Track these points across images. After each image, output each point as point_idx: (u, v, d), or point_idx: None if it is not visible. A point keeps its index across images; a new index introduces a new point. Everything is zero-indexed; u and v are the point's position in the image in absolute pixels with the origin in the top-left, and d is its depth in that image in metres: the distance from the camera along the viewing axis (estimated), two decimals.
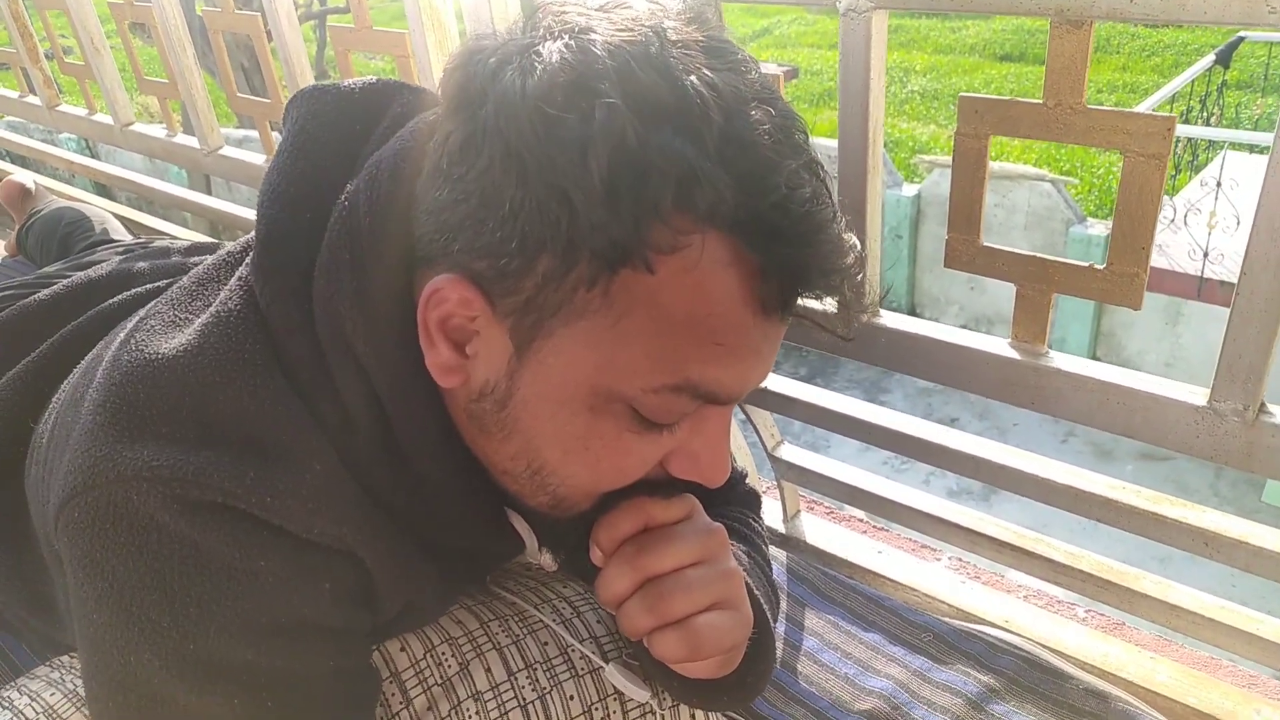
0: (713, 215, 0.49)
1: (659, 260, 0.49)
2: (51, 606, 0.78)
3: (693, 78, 0.49)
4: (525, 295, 0.52)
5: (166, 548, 0.54)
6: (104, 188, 2.76)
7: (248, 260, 0.63)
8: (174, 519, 0.54)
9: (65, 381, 0.74)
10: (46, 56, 2.00)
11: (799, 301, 0.55)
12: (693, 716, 0.74)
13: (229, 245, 0.73)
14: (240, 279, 0.63)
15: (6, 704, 0.77)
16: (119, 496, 0.54)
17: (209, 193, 2.60)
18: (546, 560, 0.74)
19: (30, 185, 1.91)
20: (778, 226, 0.50)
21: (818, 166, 0.54)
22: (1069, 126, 0.75)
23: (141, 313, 0.71)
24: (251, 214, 1.73)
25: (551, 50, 0.50)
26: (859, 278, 0.55)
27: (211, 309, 0.61)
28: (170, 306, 0.65)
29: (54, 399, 0.75)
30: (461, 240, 0.54)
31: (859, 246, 0.55)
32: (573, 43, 0.50)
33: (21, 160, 2.52)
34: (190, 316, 0.63)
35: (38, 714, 0.75)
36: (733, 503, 0.90)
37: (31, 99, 2.05)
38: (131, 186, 2.01)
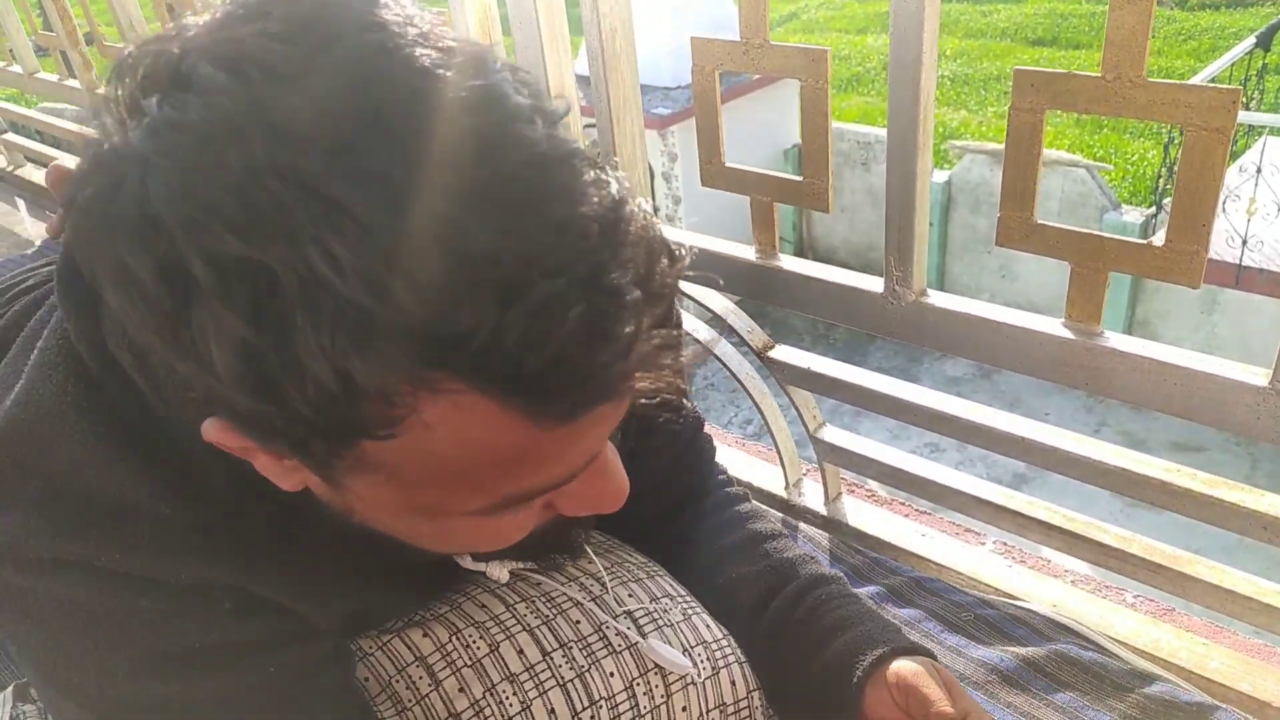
0: (406, 381, 0.38)
1: (386, 431, 0.40)
2: None
3: (312, 188, 0.36)
4: (295, 459, 0.44)
5: (43, 609, 0.52)
6: None
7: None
8: (37, 580, 0.51)
9: None
10: (86, 40, 2.02)
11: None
12: (733, 684, 0.74)
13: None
14: (57, 313, 0.55)
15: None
16: None
17: None
18: (497, 571, 0.72)
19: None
20: (500, 373, 0.38)
21: (565, 217, 0.38)
22: (1129, 100, 0.73)
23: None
24: None
25: (118, 194, 0.38)
26: (662, 303, 0.41)
27: (35, 352, 0.55)
28: (14, 352, 0.59)
29: None
30: (191, 392, 0.44)
31: (653, 257, 0.41)
32: (136, 181, 0.38)
33: (62, 143, 2.55)
34: (21, 364, 0.56)
35: None
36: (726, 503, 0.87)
37: (71, 82, 2.06)
38: None
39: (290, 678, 0.59)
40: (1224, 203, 5.59)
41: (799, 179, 0.95)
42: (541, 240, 0.37)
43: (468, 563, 0.71)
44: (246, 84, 0.36)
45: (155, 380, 0.49)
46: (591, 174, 0.38)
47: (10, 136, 2.54)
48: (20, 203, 2.43)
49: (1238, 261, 5.71)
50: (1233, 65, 7.04)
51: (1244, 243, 5.63)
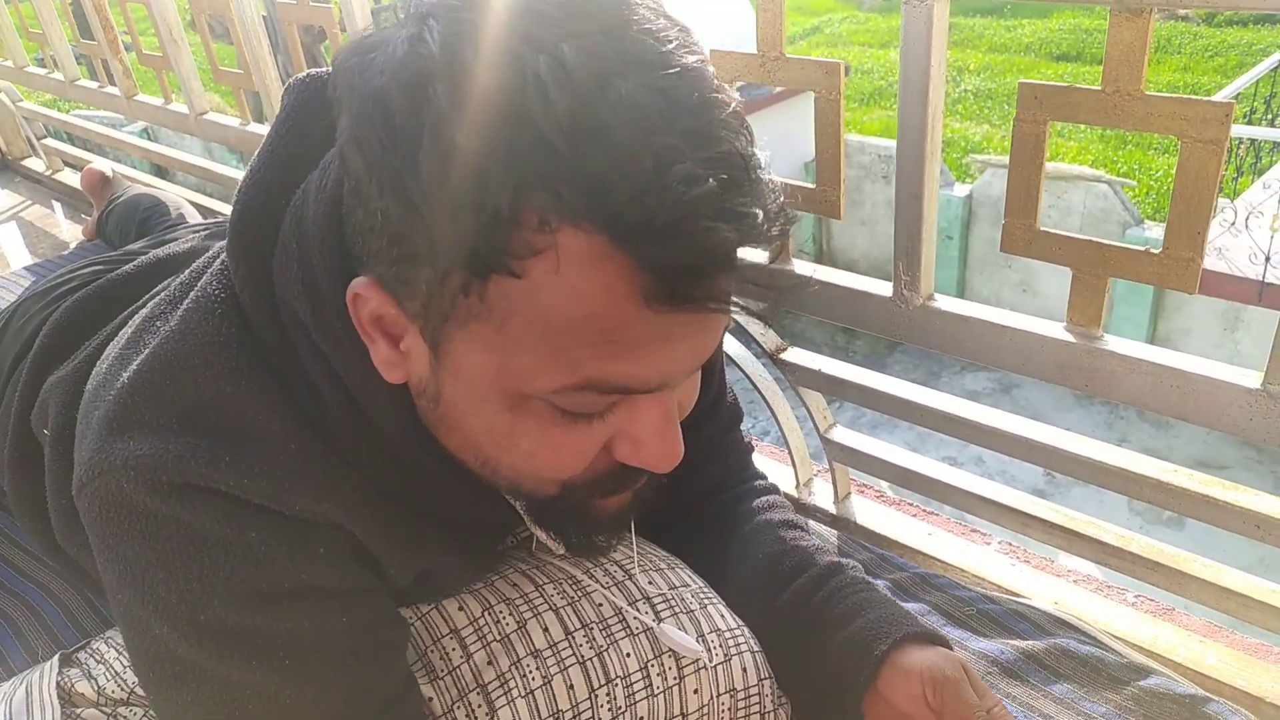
0: (563, 215, 0.45)
1: (520, 265, 0.46)
2: None
3: (542, 58, 0.45)
4: (420, 300, 0.51)
5: (163, 530, 0.57)
6: (161, 170, 2.86)
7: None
8: (162, 503, 0.57)
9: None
10: (125, 49, 2.08)
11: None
12: (744, 671, 0.77)
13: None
14: (222, 263, 0.65)
15: (98, 656, 0.82)
16: (112, 487, 0.58)
17: None
18: (552, 540, 0.75)
19: (109, 173, 1.99)
20: (639, 220, 0.45)
21: (719, 126, 0.47)
22: (1127, 113, 0.77)
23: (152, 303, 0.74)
24: None
25: (398, 44, 0.48)
26: (774, 232, 0.48)
27: (193, 294, 0.64)
28: (166, 297, 0.68)
29: None
30: (364, 246, 0.53)
31: (775, 197, 0.49)
32: (415, 33, 0.48)
33: (95, 147, 2.62)
34: (178, 306, 0.66)
35: (125, 667, 0.80)
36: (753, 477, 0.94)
37: (110, 89, 2.13)
38: (195, 169, 2.08)
39: (361, 629, 0.64)
40: (1247, 219, 5.57)
41: (812, 186, 0.99)
42: (701, 136, 0.46)
43: (541, 537, 0.74)
44: None
45: (323, 313, 0.58)
46: (740, 125, 0.49)
47: (49, 142, 2.61)
48: (57, 206, 2.50)
49: (1261, 278, 5.69)
50: (1258, 81, 7.02)
51: (1267, 259, 5.60)
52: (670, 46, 0.48)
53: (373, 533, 0.64)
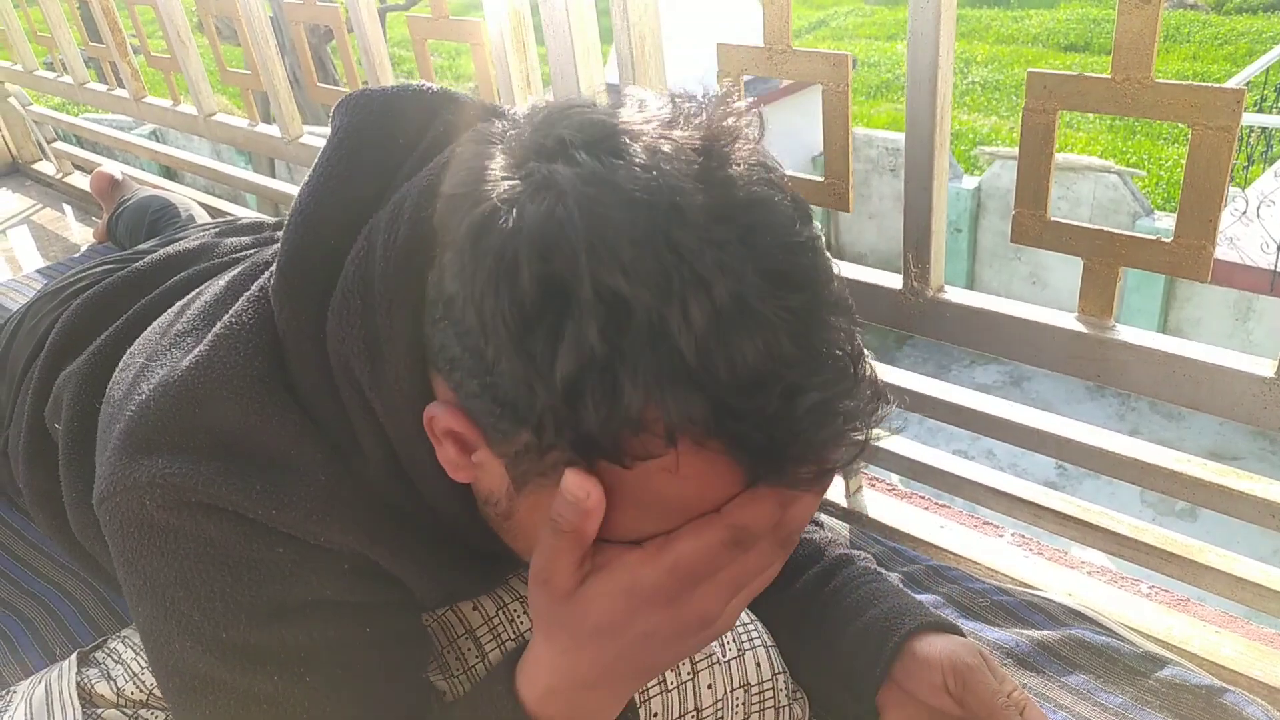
0: (688, 431, 0.45)
1: (635, 463, 0.46)
2: None
3: (683, 269, 0.44)
4: (514, 450, 0.50)
5: (184, 547, 0.57)
6: (170, 171, 2.87)
7: (269, 273, 0.63)
8: (186, 521, 0.57)
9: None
10: (133, 51, 2.09)
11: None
12: (757, 665, 0.77)
13: (264, 254, 0.73)
14: (260, 290, 0.63)
15: (116, 656, 0.83)
16: (135, 503, 0.58)
17: (273, 175, 2.69)
18: None
19: (118, 176, 2.00)
20: (763, 445, 0.46)
21: (837, 336, 0.47)
22: (1136, 100, 0.76)
23: (172, 316, 0.73)
24: None
25: (524, 202, 0.46)
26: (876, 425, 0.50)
27: (224, 320, 0.63)
28: (199, 312, 0.68)
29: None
30: (458, 376, 0.51)
31: (877, 390, 0.49)
32: (549, 208, 0.45)
33: (104, 149, 2.63)
34: (206, 327, 0.65)
35: (143, 668, 0.80)
36: None
37: (119, 91, 2.14)
38: (203, 171, 2.09)
39: (384, 642, 0.64)
40: (1258, 208, 5.54)
41: (821, 179, 0.99)
42: (823, 362, 0.46)
43: None
44: (661, 171, 0.46)
45: (382, 380, 0.56)
46: (849, 324, 0.49)
47: (59, 145, 2.63)
48: (67, 209, 2.51)
49: (1273, 268, 5.65)
50: (1269, 69, 6.97)
51: (1279, 249, 5.57)
52: (797, 240, 0.47)
53: (401, 564, 0.64)
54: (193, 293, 0.76)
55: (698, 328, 0.43)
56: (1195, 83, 0.75)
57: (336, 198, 0.61)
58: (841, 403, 0.46)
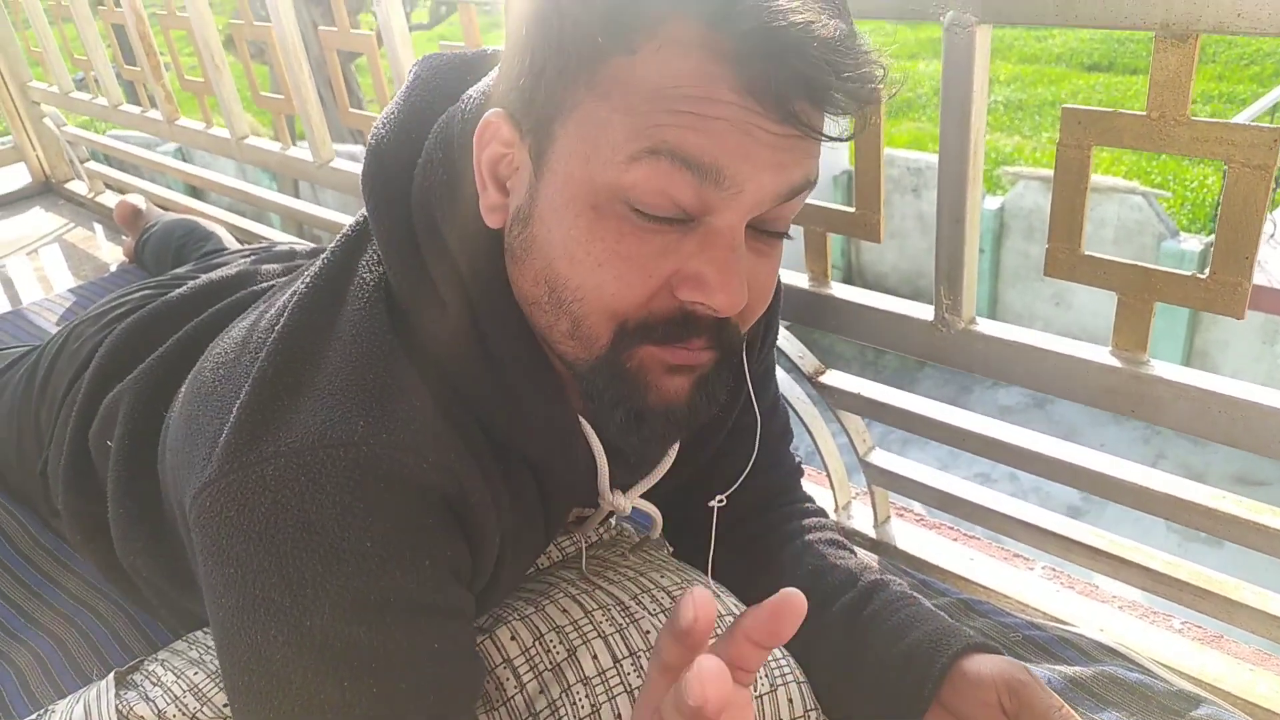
0: (677, 6, 0.54)
1: (634, 43, 0.55)
2: (190, 579, 0.84)
3: None
4: (537, 108, 0.59)
5: (283, 532, 0.59)
6: (196, 190, 2.90)
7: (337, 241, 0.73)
8: (291, 502, 0.59)
9: (191, 372, 0.81)
10: (164, 67, 2.12)
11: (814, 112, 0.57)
12: (790, 702, 0.77)
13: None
14: (324, 264, 0.71)
15: (154, 679, 0.84)
16: (253, 480, 0.60)
17: (296, 195, 2.72)
18: (621, 501, 0.78)
19: (142, 206, 2.05)
20: (747, 6, 0.53)
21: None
22: (1172, 138, 0.76)
23: (264, 307, 0.78)
24: (336, 216, 1.80)
25: None
26: (866, 70, 0.56)
27: (296, 302, 0.69)
28: (268, 323, 0.72)
29: (180, 389, 0.82)
30: (503, 82, 0.63)
31: (872, 65, 0.57)
32: None
33: (131, 167, 2.66)
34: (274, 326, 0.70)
35: (184, 691, 0.81)
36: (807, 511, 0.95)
37: (153, 113, 2.17)
38: (229, 191, 2.12)
39: (447, 659, 0.65)
40: None
41: (852, 210, 0.99)
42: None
43: (603, 485, 0.76)
44: None
45: (457, 193, 0.66)
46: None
47: (92, 165, 2.67)
48: (98, 228, 2.55)
49: None
50: None
51: None
52: None
53: (478, 487, 0.66)
54: (254, 315, 0.79)
55: None
56: (1231, 121, 0.75)
57: (414, 108, 0.72)
58: (825, 20, 0.54)
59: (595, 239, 0.59)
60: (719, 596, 0.82)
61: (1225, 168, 0.75)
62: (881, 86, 0.58)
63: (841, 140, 0.61)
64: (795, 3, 0.54)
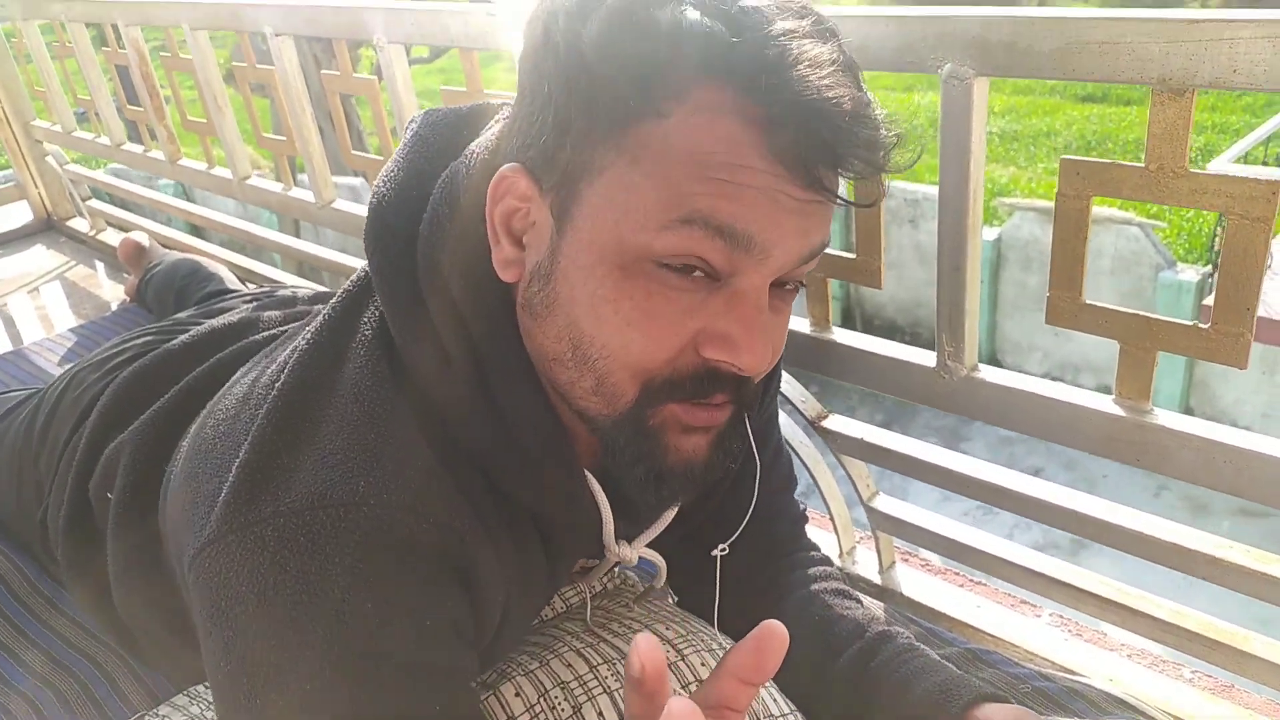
0: (711, 65, 0.55)
1: (666, 106, 0.55)
2: (191, 633, 0.84)
3: None
4: (561, 167, 0.59)
5: (283, 594, 0.58)
6: (198, 229, 2.91)
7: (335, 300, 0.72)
8: (290, 562, 0.58)
9: (193, 424, 0.81)
10: (165, 101, 2.14)
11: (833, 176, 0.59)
12: None
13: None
14: (322, 323, 0.70)
15: None
16: (251, 540, 0.59)
17: (297, 236, 2.73)
18: (627, 552, 0.77)
19: (146, 243, 2.05)
20: (777, 75, 0.54)
21: (831, 38, 0.58)
22: (1171, 190, 0.77)
23: (265, 362, 0.78)
24: (337, 256, 1.80)
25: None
26: (885, 138, 0.59)
27: (296, 358, 0.68)
28: (268, 378, 0.72)
29: (182, 441, 0.81)
30: (518, 136, 0.62)
31: (889, 130, 0.59)
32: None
33: (133, 205, 2.68)
34: (308, 367, 0.69)
35: None
36: (804, 550, 0.95)
37: (155, 153, 2.18)
38: (231, 230, 2.13)
39: (454, 714, 0.64)
40: None
41: (853, 256, 0.99)
42: (797, 13, 0.58)
43: (608, 537, 0.76)
44: None
45: (473, 278, 0.65)
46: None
47: (94, 203, 2.68)
48: (99, 266, 2.56)
49: None
50: None
51: None
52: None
53: (481, 542, 0.66)
54: (255, 371, 0.78)
55: (706, 8, 0.55)
56: (1230, 175, 0.75)
57: (414, 165, 0.72)
58: (847, 87, 0.56)
59: (624, 297, 0.59)
60: (725, 648, 0.81)
61: (1224, 219, 0.75)
62: (895, 153, 0.60)
63: (864, 206, 0.63)
64: (823, 72, 0.55)
